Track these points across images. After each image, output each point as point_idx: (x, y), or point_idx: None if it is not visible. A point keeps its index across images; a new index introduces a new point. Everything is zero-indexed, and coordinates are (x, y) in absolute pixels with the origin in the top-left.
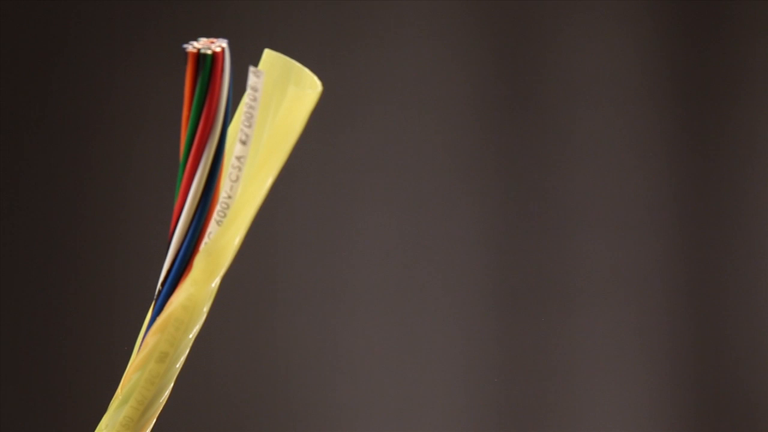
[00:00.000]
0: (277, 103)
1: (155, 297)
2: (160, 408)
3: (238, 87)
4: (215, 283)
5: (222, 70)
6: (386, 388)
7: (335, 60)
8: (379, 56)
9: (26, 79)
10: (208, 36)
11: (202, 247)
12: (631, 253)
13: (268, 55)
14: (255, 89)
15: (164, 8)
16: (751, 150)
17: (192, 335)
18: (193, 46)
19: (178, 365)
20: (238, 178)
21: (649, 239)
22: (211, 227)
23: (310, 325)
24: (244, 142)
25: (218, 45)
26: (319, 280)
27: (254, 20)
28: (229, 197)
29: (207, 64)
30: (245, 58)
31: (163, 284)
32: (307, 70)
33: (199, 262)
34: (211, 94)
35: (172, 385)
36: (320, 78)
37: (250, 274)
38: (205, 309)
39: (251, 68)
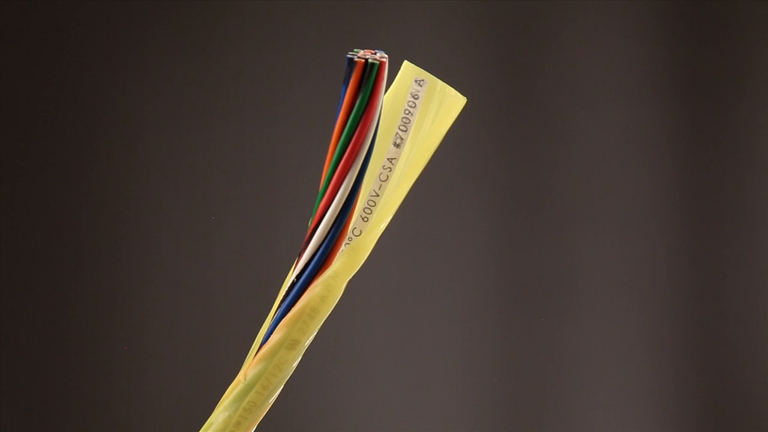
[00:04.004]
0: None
1: (287, 290)
2: (277, 394)
3: (228, 86)
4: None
5: (383, 79)
6: (387, 388)
7: (336, 60)
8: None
9: (27, 80)
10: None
11: (347, 241)
12: (633, 253)
13: (406, 67)
14: (416, 97)
15: (164, 8)
16: (755, 149)
17: (320, 326)
18: (358, 56)
19: (301, 356)
20: (387, 178)
21: (651, 239)
22: (356, 223)
23: None
24: (398, 145)
25: (381, 56)
26: None
27: (255, 20)
28: (377, 195)
29: (373, 73)
30: (246, 57)
31: (298, 277)
32: (441, 82)
33: (342, 255)
34: (371, 101)
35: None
36: (322, 77)
37: (250, 274)
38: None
39: (415, 77)
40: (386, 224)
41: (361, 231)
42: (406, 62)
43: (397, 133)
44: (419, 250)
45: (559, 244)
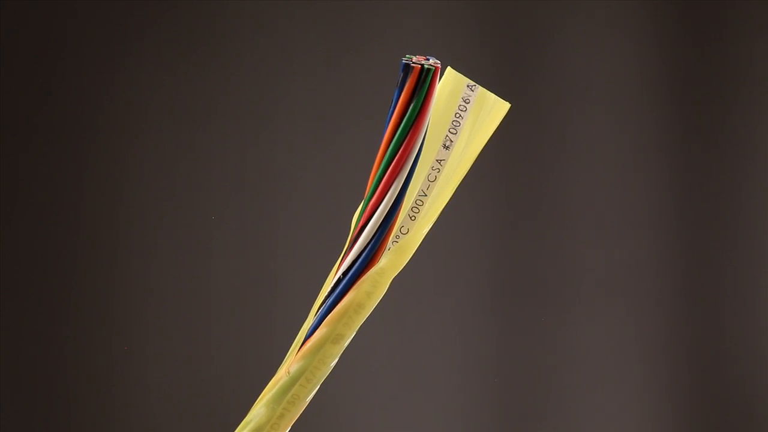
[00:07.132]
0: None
1: (331, 287)
2: (318, 388)
3: (228, 85)
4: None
5: (435, 85)
6: (385, 388)
7: (334, 60)
8: (378, 56)
9: (26, 79)
10: None
11: (395, 239)
12: (630, 255)
13: (449, 73)
14: (467, 101)
15: (164, 8)
16: (750, 152)
17: (363, 321)
18: (413, 61)
19: (344, 350)
20: (436, 178)
21: (647, 241)
22: (403, 221)
23: None
24: (447, 147)
25: (434, 62)
26: (318, 280)
27: (255, 20)
28: (425, 195)
29: (428, 79)
30: (245, 57)
31: (344, 274)
32: (480, 87)
33: (389, 253)
34: (424, 105)
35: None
36: (320, 76)
37: (250, 274)
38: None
39: (467, 83)
40: (432, 224)
41: (408, 229)
42: (449, 68)
43: (447, 136)
44: (416, 252)
45: (557, 245)
